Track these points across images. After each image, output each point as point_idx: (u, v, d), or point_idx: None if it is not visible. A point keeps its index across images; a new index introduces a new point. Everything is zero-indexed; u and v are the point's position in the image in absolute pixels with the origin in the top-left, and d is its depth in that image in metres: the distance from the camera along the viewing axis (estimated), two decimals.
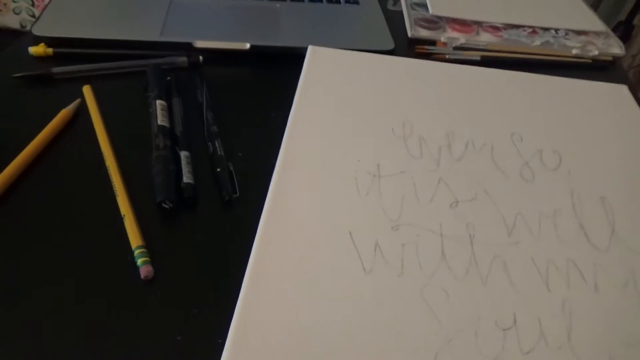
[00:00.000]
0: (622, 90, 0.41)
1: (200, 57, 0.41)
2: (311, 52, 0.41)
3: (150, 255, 0.27)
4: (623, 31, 1.15)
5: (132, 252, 0.27)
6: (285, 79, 0.40)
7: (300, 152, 0.32)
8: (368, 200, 0.30)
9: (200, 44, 0.42)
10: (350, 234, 0.28)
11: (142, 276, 0.26)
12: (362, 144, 0.33)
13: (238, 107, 0.38)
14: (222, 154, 0.33)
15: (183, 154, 0.32)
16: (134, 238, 0.28)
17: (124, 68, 0.39)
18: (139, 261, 0.27)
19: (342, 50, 0.41)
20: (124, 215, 0.28)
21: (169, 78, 0.38)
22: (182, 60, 0.41)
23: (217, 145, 0.33)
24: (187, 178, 0.31)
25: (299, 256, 0.26)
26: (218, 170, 0.32)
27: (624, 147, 0.35)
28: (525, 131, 0.35)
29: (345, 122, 0.34)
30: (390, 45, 0.44)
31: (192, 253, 0.28)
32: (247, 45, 0.42)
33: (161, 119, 0.34)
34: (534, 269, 0.27)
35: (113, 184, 0.30)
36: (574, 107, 0.38)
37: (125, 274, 0.26)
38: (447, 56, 0.45)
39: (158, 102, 0.35)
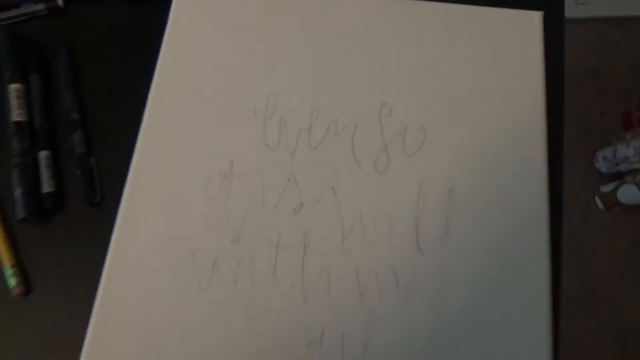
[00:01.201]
0: (533, 19, 0.36)
1: (60, 1, 0.37)
2: None
3: (23, 271, 0.31)
4: None
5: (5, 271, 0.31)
6: (154, 18, 0.36)
7: (154, 150, 0.32)
8: (215, 208, 0.31)
9: None
10: (193, 253, 0.31)
11: (12, 295, 0.31)
12: (220, 133, 0.33)
13: (106, 67, 0.36)
14: (83, 150, 0.33)
15: (42, 155, 0.33)
16: (5, 257, 0.31)
17: None
18: (12, 281, 0.31)
19: None
20: None
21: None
22: (40, 8, 0.37)
23: (76, 140, 0.33)
24: (47, 186, 0.32)
25: (145, 273, 0.30)
26: (78, 173, 0.33)
27: (501, 114, 0.33)
28: (397, 99, 0.34)
29: (207, 103, 0.33)
30: None
31: (62, 262, 0.31)
32: None
33: (17, 113, 0.34)
34: (354, 281, 0.30)
35: None
36: (462, 51, 0.35)
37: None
38: None
39: (12, 87, 0.34)
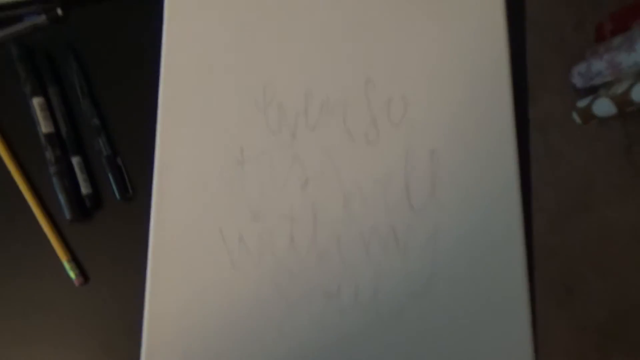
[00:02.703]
0: None
1: (59, 10, 0.40)
2: None
3: (79, 264, 0.37)
4: None
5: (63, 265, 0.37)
6: (151, 14, 0.39)
7: (173, 146, 0.36)
8: (234, 191, 0.37)
9: None
10: (221, 232, 0.36)
11: (76, 285, 0.37)
12: (228, 124, 0.37)
13: (114, 68, 0.40)
14: (109, 152, 0.38)
15: (75, 161, 0.38)
16: (62, 253, 0.37)
17: None
18: (71, 274, 0.36)
19: None
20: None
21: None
22: (42, 19, 0.40)
23: (101, 143, 0.38)
24: (84, 188, 0.37)
25: (184, 257, 0.35)
26: (108, 174, 0.38)
27: (470, 75, 0.38)
28: (380, 73, 0.38)
29: (213, 96, 0.37)
30: None
31: (109, 252, 0.37)
32: None
33: (45, 125, 0.38)
34: (360, 241, 0.36)
35: (30, 204, 0.37)
36: (433, 23, 0.38)
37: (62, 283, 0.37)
38: None
39: (36, 101, 0.38)
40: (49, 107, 0.38)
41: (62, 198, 0.36)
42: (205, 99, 0.37)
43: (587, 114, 1.02)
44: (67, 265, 0.36)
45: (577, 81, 1.05)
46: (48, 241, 0.36)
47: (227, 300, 0.35)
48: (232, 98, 0.37)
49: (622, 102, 0.95)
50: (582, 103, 1.03)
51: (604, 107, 0.98)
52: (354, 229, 0.36)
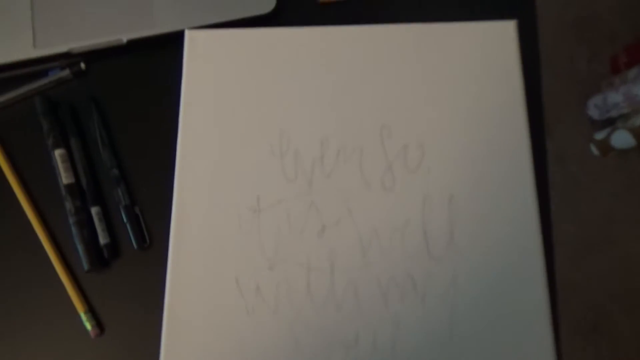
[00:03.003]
0: (508, 29, 0.40)
1: (83, 65, 0.41)
2: (189, 40, 0.40)
3: (95, 314, 0.37)
4: None
5: (80, 316, 0.37)
6: (170, 66, 0.40)
7: (190, 196, 0.37)
8: (250, 240, 0.37)
9: (77, 48, 0.41)
10: (237, 280, 0.36)
11: (92, 336, 0.36)
12: (244, 173, 0.37)
13: (133, 119, 0.41)
14: (127, 202, 0.38)
15: (94, 211, 0.38)
16: (79, 305, 0.37)
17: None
18: (87, 325, 0.36)
19: (219, 31, 0.40)
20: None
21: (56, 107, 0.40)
22: (66, 74, 0.41)
23: (120, 193, 0.38)
24: (102, 238, 0.37)
25: (199, 304, 0.35)
26: (126, 224, 0.38)
27: (486, 117, 0.38)
28: (395, 121, 0.38)
29: (229, 146, 0.38)
30: (271, 5, 0.42)
31: (126, 302, 0.37)
32: (124, 40, 0.42)
33: (65, 177, 0.38)
34: (377, 289, 0.35)
35: (48, 254, 0.38)
36: (447, 67, 0.39)
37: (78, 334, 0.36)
38: None
39: (57, 153, 0.39)
40: (70, 159, 0.38)
41: (80, 248, 0.36)
42: (222, 148, 0.38)
43: (606, 146, 1.01)
44: (83, 317, 0.36)
45: (594, 113, 1.04)
46: (65, 292, 0.36)
47: (243, 352, 0.34)
48: (249, 146, 0.38)
49: None
50: (599, 135, 1.02)
51: (622, 139, 0.97)
52: (372, 277, 0.35)
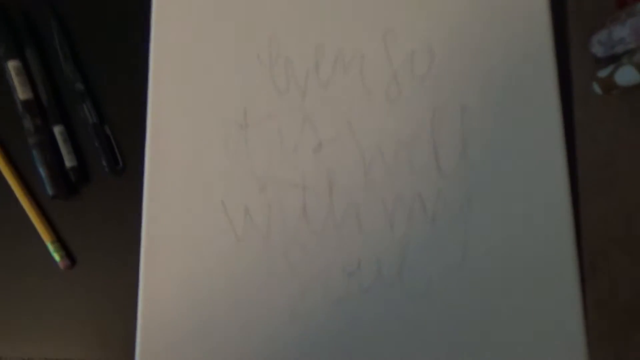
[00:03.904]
0: None
1: None
2: None
3: (64, 245, 0.32)
4: None
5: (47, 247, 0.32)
6: None
7: (167, 110, 0.32)
8: (237, 158, 0.32)
9: None
10: (223, 203, 0.32)
11: (62, 268, 0.32)
12: (228, 81, 0.33)
13: (99, 27, 0.35)
14: (95, 120, 0.34)
15: (57, 131, 0.33)
16: (45, 234, 0.32)
17: None
18: (56, 256, 0.32)
19: None
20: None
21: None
22: None
23: (86, 110, 0.34)
24: (68, 161, 0.33)
25: (182, 234, 0.31)
26: (96, 144, 0.33)
27: (505, 21, 0.33)
28: (401, 23, 0.33)
29: (209, 52, 0.33)
30: None
31: (99, 232, 0.33)
32: None
33: (22, 91, 0.33)
34: (382, 210, 0.32)
35: (7, 180, 0.33)
36: None
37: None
38: None
39: (11, 64, 0.34)
40: (26, 71, 0.33)
41: (43, 172, 0.32)
42: (203, 54, 0.33)
43: (609, 84, 0.97)
44: (51, 247, 0.32)
45: (598, 50, 0.99)
46: (29, 221, 0.32)
47: (232, 280, 0.30)
48: (233, 54, 0.33)
49: None
50: (603, 73, 0.98)
51: (627, 75, 0.93)
52: (375, 198, 0.31)
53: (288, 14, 0.33)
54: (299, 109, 0.32)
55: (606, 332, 0.95)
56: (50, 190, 0.32)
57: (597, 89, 1.00)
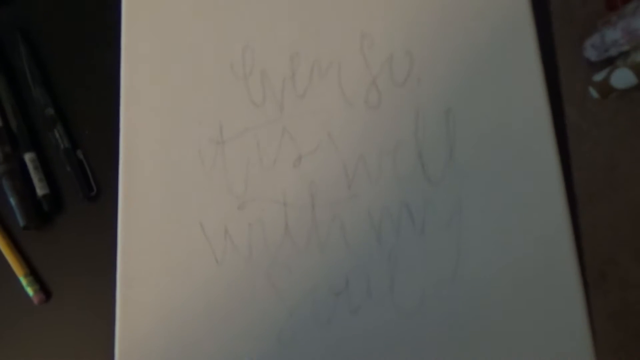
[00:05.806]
0: None
1: None
2: None
3: (38, 278, 0.31)
4: None
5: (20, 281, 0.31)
6: None
7: (140, 131, 0.31)
8: (214, 177, 0.31)
9: None
10: (201, 224, 0.30)
11: (36, 302, 0.31)
12: (201, 96, 0.31)
13: (69, 51, 0.34)
14: (67, 145, 0.32)
15: (28, 158, 0.32)
16: (17, 268, 0.31)
17: None
18: (29, 290, 0.31)
19: None
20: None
21: None
22: None
23: (57, 136, 0.32)
24: (40, 189, 0.32)
25: (160, 260, 0.29)
26: (68, 169, 0.32)
27: (487, 20, 0.32)
28: (376, 27, 0.32)
29: (181, 68, 0.32)
30: None
31: (74, 262, 0.31)
32: None
33: None
34: (368, 223, 0.30)
35: None
36: None
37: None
38: None
39: None
40: None
41: (14, 202, 0.30)
42: (174, 71, 0.32)
43: (606, 87, 0.96)
44: (24, 281, 0.30)
45: (591, 54, 0.98)
46: (0, 254, 0.30)
47: (214, 307, 0.28)
48: (206, 67, 0.32)
49: None
50: (598, 77, 0.97)
51: (623, 77, 0.92)
52: (360, 210, 0.30)
53: (261, 23, 0.32)
54: (276, 121, 0.31)
55: (622, 343, 0.92)
56: (21, 221, 0.30)
57: (594, 93, 0.99)
